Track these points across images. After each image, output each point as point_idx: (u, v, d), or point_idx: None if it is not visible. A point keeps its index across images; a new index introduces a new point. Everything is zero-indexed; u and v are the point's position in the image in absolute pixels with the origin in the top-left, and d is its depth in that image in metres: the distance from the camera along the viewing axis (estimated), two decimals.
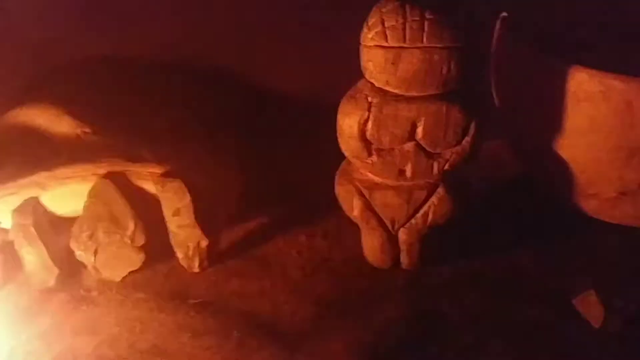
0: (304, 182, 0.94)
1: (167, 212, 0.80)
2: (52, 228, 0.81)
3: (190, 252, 0.80)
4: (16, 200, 0.80)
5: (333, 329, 0.73)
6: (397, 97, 0.71)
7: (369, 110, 0.72)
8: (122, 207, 0.80)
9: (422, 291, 0.78)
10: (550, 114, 0.78)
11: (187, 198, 0.79)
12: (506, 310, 0.75)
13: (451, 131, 0.72)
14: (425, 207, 0.76)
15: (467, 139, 0.73)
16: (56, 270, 0.78)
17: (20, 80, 0.91)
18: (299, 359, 0.69)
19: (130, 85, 0.92)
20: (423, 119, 0.71)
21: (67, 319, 0.74)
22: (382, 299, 0.77)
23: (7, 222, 0.80)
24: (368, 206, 0.77)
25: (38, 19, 0.91)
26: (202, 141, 0.89)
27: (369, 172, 0.76)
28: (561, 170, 0.81)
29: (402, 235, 0.78)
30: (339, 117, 0.74)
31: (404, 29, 0.67)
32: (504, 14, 0.89)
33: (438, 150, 0.73)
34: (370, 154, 0.74)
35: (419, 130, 0.72)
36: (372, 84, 0.72)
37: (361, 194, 0.76)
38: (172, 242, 0.81)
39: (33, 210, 0.79)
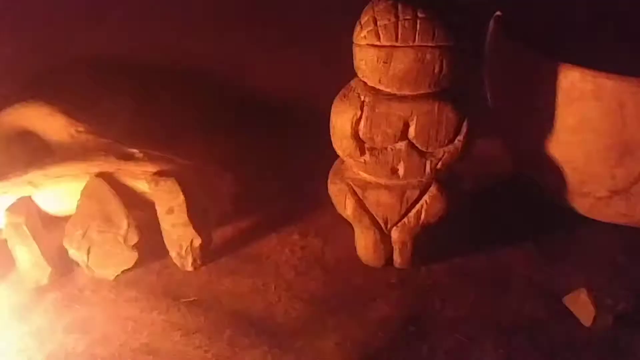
0: (298, 180, 0.95)
1: (160, 211, 0.80)
2: (45, 227, 0.81)
3: (184, 251, 0.80)
4: (9, 199, 0.80)
5: (325, 327, 0.73)
6: (390, 96, 0.71)
7: (361, 109, 0.72)
8: (115, 206, 0.80)
9: (415, 290, 0.78)
10: (543, 112, 0.79)
11: (181, 197, 0.79)
12: (498, 308, 0.75)
13: (443, 130, 0.72)
14: (417, 206, 0.76)
15: (460, 137, 0.73)
16: (49, 269, 0.78)
17: (16, 79, 0.91)
18: (291, 357, 0.69)
19: (123, 87, 0.92)
20: (415, 117, 0.71)
21: (60, 317, 0.74)
22: (375, 297, 0.77)
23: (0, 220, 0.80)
24: (361, 205, 0.77)
25: (34, 18, 0.91)
26: (195, 140, 0.89)
27: (362, 171, 0.76)
28: (554, 169, 0.81)
29: (394, 234, 0.78)
30: (332, 116, 0.74)
31: (396, 28, 0.67)
32: (498, 12, 0.89)
33: (430, 149, 0.73)
34: (363, 153, 0.74)
35: (412, 129, 0.72)
36: (364, 82, 0.72)
37: (354, 193, 0.76)
38: (165, 240, 0.81)
39: (26, 208, 0.79)
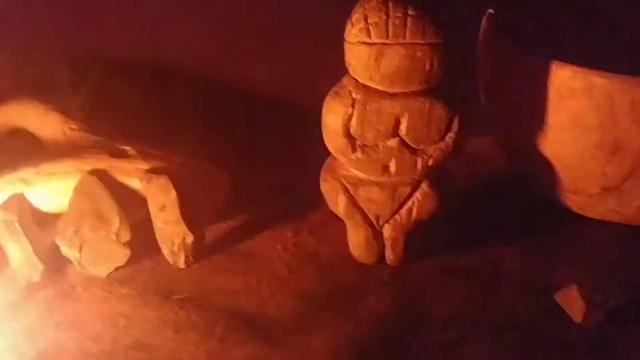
0: (291, 178, 0.95)
1: (152, 208, 0.80)
2: (37, 224, 0.81)
3: (176, 248, 0.80)
4: (1, 196, 0.80)
5: (317, 324, 0.73)
6: (381, 94, 0.71)
7: (352, 106, 0.72)
8: (107, 203, 0.80)
9: (407, 286, 0.78)
10: (534, 110, 0.79)
11: (173, 194, 0.79)
12: (489, 305, 0.75)
13: (434, 127, 0.72)
14: (409, 203, 0.76)
15: (451, 135, 0.73)
16: (41, 266, 0.78)
17: (8, 77, 0.91)
18: (282, 354, 0.69)
19: (116, 85, 0.92)
20: (406, 115, 0.72)
21: (52, 314, 0.74)
22: (367, 294, 0.77)
23: None
24: (353, 202, 0.77)
25: (29, 16, 0.91)
26: (189, 138, 0.89)
27: (354, 168, 0.76)
28: (545, 166, 0.82)
29: (386, 231, 0.78)
30: (324, 113, 0.74)
31: (386, 25, 0.68)
32: (490, 10, 0.89)
33: (422, 147, 0.74)
34: (354, 150, 0.74)
35: (403, 127, 0.72)
36: (356, 80, 0.72)
37: (346, 190, 0.77)
38: (158, 238, 0.81)
39: (18, 206, 0.79)
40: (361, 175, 0.76)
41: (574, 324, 0.72)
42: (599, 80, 0.73)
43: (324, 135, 0.75)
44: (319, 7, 0.91)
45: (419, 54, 0.68)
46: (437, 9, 0.68)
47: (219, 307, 0.75)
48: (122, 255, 0.80)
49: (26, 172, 0.80)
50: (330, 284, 0.79)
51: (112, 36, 0.94)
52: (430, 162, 0.74)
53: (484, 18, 0.89)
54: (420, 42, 0.68)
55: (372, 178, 0.76)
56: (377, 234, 0.79)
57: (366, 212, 0.77)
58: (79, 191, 0.80)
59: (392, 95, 0.71)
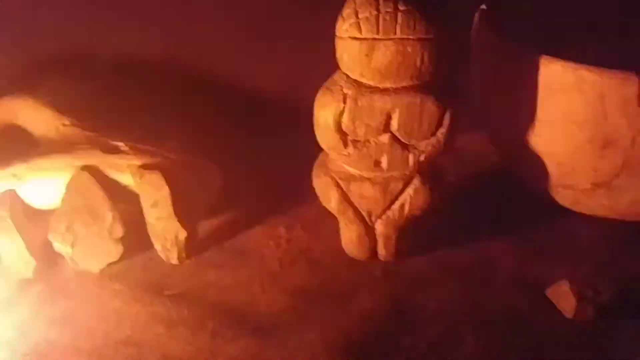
0: (283, 174, 0.95)
1: (145, 204, 0.80)
2: (29, 220, 0.81)
3: (169, 244, 0.81)
4: None
5: (309, 319, 0.73)
6: (372, 89, 0.71)
7: (344, 102, 0.72)
8: (100, 199, 0.80)
9: (398, 282, 0.78)
10: (525, 105, 0.79)
11: (166, 190, 0.79)
12: (480, 300, 0.75)
13: (426, 123, 0.72)
14: (401, 199, 0.76)
15: (442, 130, 0.73)
16: (33, 262, 0.79)
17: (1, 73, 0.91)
18: (273, 350, 0.69)
19: (110, 83, 0.92)
20: (398, 110, 0.72)
21: (44, 310, 0.74)
22: (359, 290, 0.77)
23: None
24: (345, 198, 0.77)
25: (23, 14, 0.91)
26: (182, 133, 0.89)
27: (346, 164, 0.76)
28: (537, 162, 0.82)
29: (379, 226, 0.78)
30: (315, 109, 0.74)
31: (377, 21, 0.68)
32: (483, 6, 0.89)
33: (413, 142, 0.74)
34: (346, 146, 0.74)
35: (394, 122, 0.72)
36: (347, 75, 0.72)
37: (338, 186, 0.77)
38: (150, 233, 0.81)
39: (10, 202, 0.79)
40: (353, 171, 0.76)
41: (565, 319, 0.72)
42: (589, 75, 0.73)
43: (316, 131, 0.75)
44: (311, 1, 0.91)
45: (409, 49, 0.68)
46: (428, 4, 0.68)
47: (211, 303, 0.75)
48: (114, 251, 0.80)
49: (18, 168, 0.80)
50: (322, 279, 0.79)
51: (106, 33, 0.93)
52: (422, 158, 0.74)
53: (476, 14, 0.89)
54: (411, 37, 0.68)
55: (364, 174, 0.76)
56: (369, 230, 0.79)
57: (358, 207, 0.77)
58: (71, 187, 0.80)
59: (383, 91, 0.71)
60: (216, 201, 0.87)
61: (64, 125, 0.84)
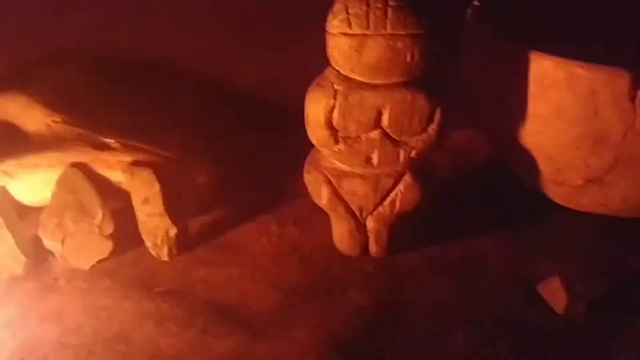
0: (275, 170, 0.95)
1: (136, 201, 0.80)
2: (19, 216, 0.81)
3: (159, 241, 0.80)
4: None
5: (299, 315, 0.73)
6: (363, 85, 0.71)
7: (334, 98, 0.72)
8: (90, 196, 0.80)
9: (390, 278, 0.78)
10: (517, 101, 0.79)
11: (156, 187, 0.79)
12: (472, 296, 0.75)
13: (416, 119, 0.72)
14: (392, 195, 0.76)
15: (433, 126, 0.73)
16: (24, 259, 0.78)
17: None
18: (264, 346, 0.69)
19: (100, 81, 0.92)
20: (388, 106, 0.71)
21: (34, 307, 0.74)
22: (350, 286, 0.77)
23: None
24: (336, 194, 0.77)
25: (10, 10, 0.91)
26: (173, 131, 0.89)
27: (337, 160, 0.76)
28: (529, 158, 0.81)
29: (370, 222, 0.78)
30: (306, 105, 0.74)
31: (367, 16, 0.67)
32: (476, 2, 0.89)
33: (404, 138, 0.73)
34: (337, 142, 0.74)
35: (385, 118, 0.72)
36: (338, 71, 0.72)
37: (329, 182, 0.76)
38: (141, 230, 0.81)
39: (0, 198, 0.79)
40: (344, 167, 0.76)
41: (556, 314, 0.72)
42: (580, 71, 0.73)
43: (307, 127, 0.75)
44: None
45: (399, 45, 0.68)
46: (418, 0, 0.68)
47: (201, 299, 0.75)
48: (104, 247, 0.80)
49: (9, 165, 0.80)
50: (314, 276, 0.79)
51: (96, 31, 0.93)
52: (412, 154, 0.74)
53: (469, 10, 0.89)
54: (401, 33, 0.67)
55: (355, 170, 0.76)
56: (360, 226, 0.79)
57: (349, 204, 0.77)
58: (61, 184, 0.80)
59: (374, 87, 0.71)
60: (207, 198, 0.87)
61: (54, 122, 0.84)
